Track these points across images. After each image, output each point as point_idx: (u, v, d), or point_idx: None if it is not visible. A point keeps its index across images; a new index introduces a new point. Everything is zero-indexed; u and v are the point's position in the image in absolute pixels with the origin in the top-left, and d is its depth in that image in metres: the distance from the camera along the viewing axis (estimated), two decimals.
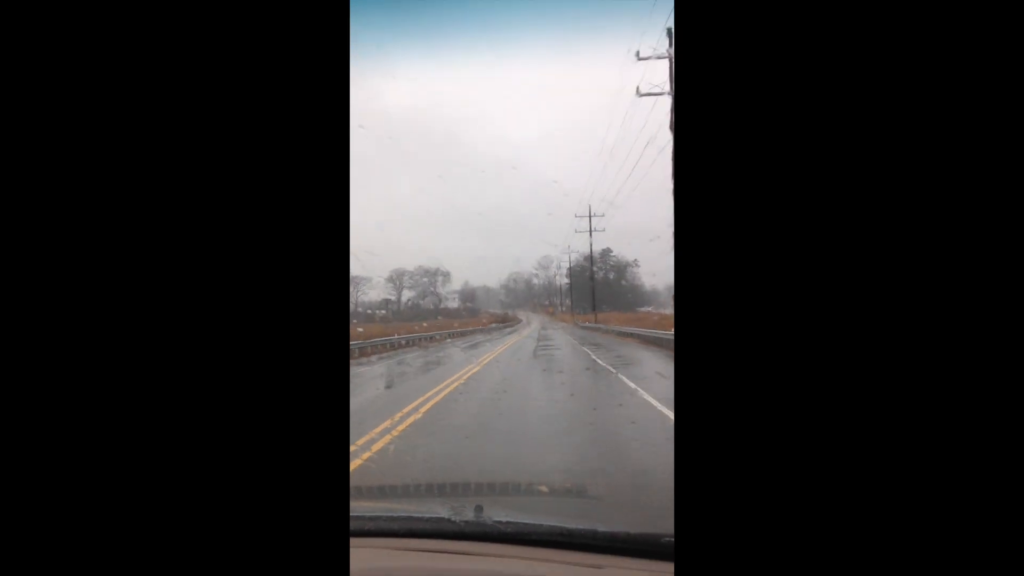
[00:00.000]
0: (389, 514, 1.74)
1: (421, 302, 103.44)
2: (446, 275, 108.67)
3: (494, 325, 61.69)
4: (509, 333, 43.34)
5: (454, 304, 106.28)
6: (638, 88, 18.61)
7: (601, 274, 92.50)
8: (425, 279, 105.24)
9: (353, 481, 2.73)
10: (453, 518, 1.59)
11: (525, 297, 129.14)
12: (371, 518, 1.65)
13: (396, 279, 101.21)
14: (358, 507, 1.70)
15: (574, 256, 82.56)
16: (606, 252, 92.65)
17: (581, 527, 1.53)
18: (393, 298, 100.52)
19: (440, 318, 76.18)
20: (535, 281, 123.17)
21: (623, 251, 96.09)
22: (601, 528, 1.52)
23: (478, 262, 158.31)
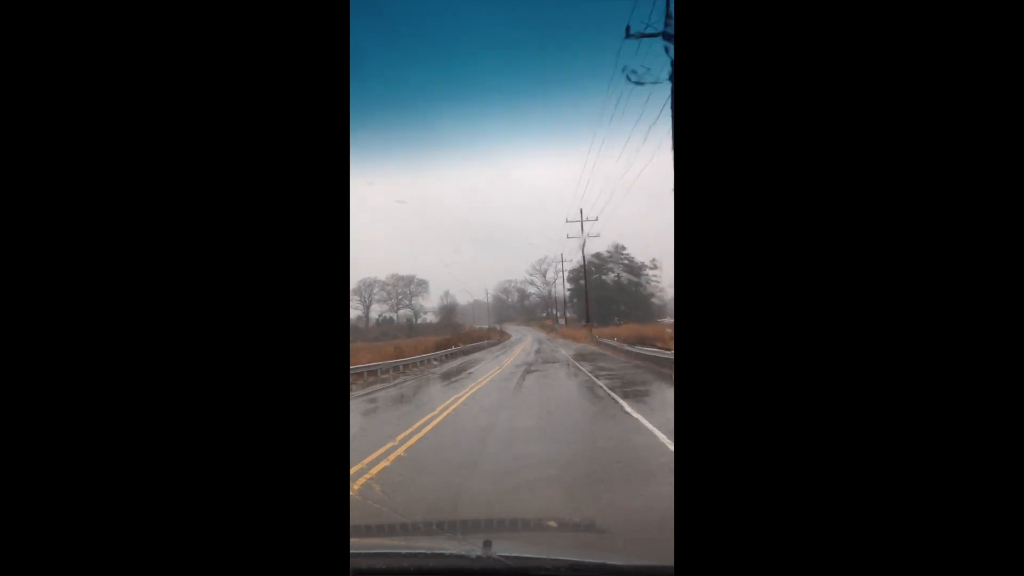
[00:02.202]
0: (397, 551, 1.80)
1: (394, 316, 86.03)
2: (422, 285, 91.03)
3: (448, 349, 34.55)
4: (454, 381, 17.31)
5: (434, 318, 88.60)
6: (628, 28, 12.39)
7: (612, 276, 74.46)
8: (398, 290, 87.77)
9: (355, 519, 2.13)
10: (461, 553, 1.59)
11: (519, 309, 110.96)
12: (380, 555, 1.65)
13: (364, 291, 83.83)
14: (366, 544, 1.82)
15: (574, 254, 64.27)
16: (618, 249, 74.85)
17: (591, 560, 1.55)
18: (360, 313, 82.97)
19: (402, 338, 57.99)
20: (530, 289, 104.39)
21: (634, 251, 77.76)
22: (611, 561, 1.55)
23: (465, 273, 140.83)
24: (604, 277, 71.81)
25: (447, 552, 1.62)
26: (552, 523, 3.23)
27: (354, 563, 1.30)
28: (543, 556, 1.55)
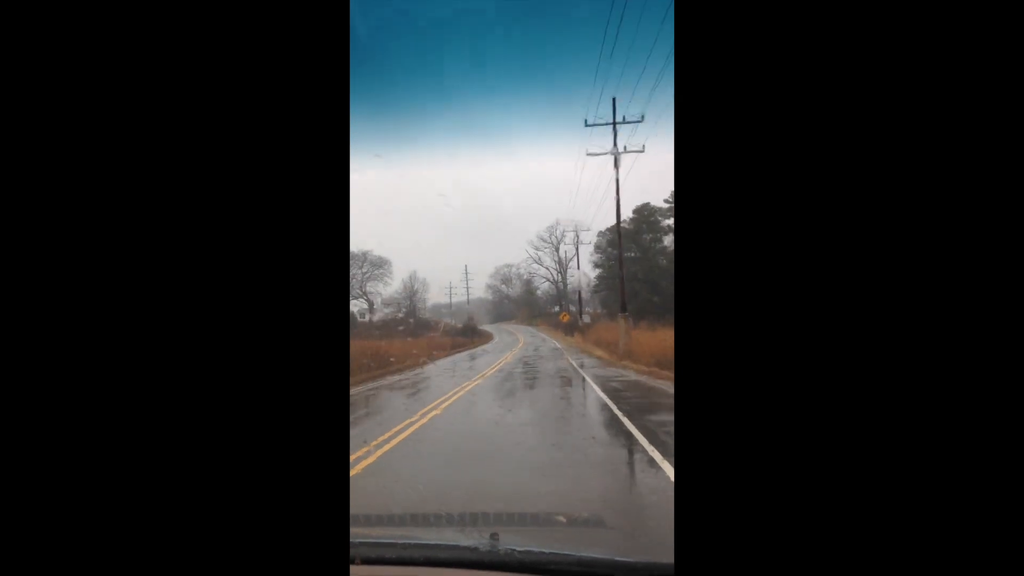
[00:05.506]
0: (406, 541, 1.78)
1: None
2: (383, 266, 63.79)
3: None
4: None
5: (397, 312, 61.75)
6: None
7: (649, 242, 46.24)
8: (354, 273, 60.89)
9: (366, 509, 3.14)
10: (470, 545, 1.62)
11: (523, 302, 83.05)
12: (388, 545, 1.68)
13: None
14: (372, 533, 1.84)
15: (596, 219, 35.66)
16: (648, 208, 47.33)
17: (599, 556, 1.56)
18: None
19: None
20: (536, 267, 75.23)
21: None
22: (619, 558, 1.55)
23: (448, 259, 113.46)
24: (652, 244, 43.87)
25: (456, 544, 1.66)
26: (561, 518, 3.15)
27: (362, 552, 1.43)
28: (552, 551, 1.58)
